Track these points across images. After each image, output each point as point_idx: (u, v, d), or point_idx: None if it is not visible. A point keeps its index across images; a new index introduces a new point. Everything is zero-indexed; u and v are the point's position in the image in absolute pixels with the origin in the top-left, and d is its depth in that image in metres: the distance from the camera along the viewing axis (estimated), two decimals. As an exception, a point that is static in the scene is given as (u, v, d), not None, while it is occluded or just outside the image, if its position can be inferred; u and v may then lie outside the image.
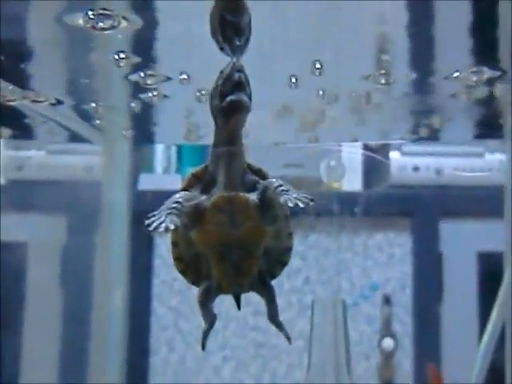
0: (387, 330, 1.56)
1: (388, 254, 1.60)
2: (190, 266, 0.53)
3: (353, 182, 1.62)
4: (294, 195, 0.45)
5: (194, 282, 0.54)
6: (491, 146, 1.57)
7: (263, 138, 0.85)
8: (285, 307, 1.57)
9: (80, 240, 1.43)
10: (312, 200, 0.45)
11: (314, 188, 1.49)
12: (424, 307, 1.58)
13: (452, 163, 1.61)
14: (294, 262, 1.59)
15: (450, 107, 0.68)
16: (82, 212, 1.37)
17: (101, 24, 0.48)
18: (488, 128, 0.74)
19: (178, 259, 0.53)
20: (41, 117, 0.70)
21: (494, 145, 1.55)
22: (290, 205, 0.44)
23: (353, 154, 1.56)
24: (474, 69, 0.54)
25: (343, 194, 1.57)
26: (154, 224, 0.45)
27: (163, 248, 1.62)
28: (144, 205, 1.45)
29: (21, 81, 0.60)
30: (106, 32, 0.49)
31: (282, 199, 0.45)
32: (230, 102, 0.46)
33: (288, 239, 0.52)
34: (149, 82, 0.59)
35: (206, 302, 0.55)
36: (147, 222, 0.45)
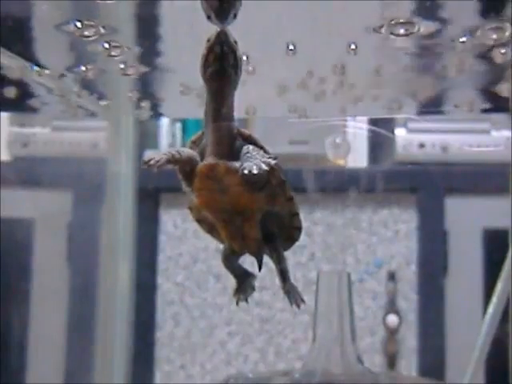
0: (392, 306, 1.57)
1: (393, 231, 1.60)
2: (208, 227, 0.55)
3: (358, 159, 1.62)
4: (256, 161, 0.47)
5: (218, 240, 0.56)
6: (497, 123, 1.56)
7: (270, 112, 0.85)
8: (290, 283, 1.57)
9: (86, 215, 1.44)
10: (275, 158, 0.47)
11: (319, 165, 1.49)
12: (429, 283, 1.58)
13: (458, 140, 1.61)
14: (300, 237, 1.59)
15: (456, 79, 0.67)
16: (87, 187, 1.38)
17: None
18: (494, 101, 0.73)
19: (198, 221, 0.55)
20: (46, 90, 0.70)
21: (500, 121, 1.54)
22: (254, 172, 0.46)
23: (358, 131, 1.55)
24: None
25: (348, 171, 1.56)
26: (151, 162, 0.47)
27: (169, 224, 1.62)
28: (149, 181, 1.46)
29: (22, 51, 0.60)
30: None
31: (244, 166, 0.47)
32: (210, 73, 0.48)
33: (289, 204, 0.53)
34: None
35: (227, 263, 0.58)
36: (145, 158, 0.47)
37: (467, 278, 1.55)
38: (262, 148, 0.50)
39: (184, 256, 1.62)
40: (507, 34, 0.50)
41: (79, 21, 0.52)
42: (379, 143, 1.64)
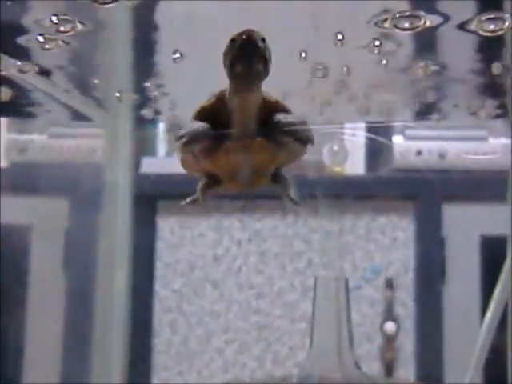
0: (389, 314, 1.56)
1: (391, 238, 1.60)
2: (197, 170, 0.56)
3: (356, 166, 1.62)
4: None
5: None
6: (495, 130, 1.56)
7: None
8: (287, 290, 1.57)
9: (83, 222, 1.43)
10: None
11: (316, 172, 1.49)
12: (426, 291, 1.58)
13: (455, 147, 1.61)
14: (297, 244, 1.59)
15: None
16: (84, 194, 1.38)
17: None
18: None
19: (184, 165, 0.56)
20: (44, 95, 0.70)
21: (497, 128, 1.54)
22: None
23: (356, 138, 1.55)
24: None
25: (346, 178, 1.56)
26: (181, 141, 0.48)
27: (166, 231, 1.62)
28: (146, 188, 1.46)
29: (19, 52, 0.60)
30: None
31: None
32: (236, 73, 0.47)
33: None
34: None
35: (205, 192, 0.58)
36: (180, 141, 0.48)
37: (465, 285, 1.55)
38: (289, 112, 0.51)
39: (181, 263, 1.62)
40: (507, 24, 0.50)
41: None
42: (377, 150, 1.64)
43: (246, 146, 0.50)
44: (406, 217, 1.60)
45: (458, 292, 1.55)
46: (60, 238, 1.56)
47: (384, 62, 0.60)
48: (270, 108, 0.51)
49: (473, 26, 0.51)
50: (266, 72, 0.48)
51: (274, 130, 0.50)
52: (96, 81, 0.65)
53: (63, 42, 0.55)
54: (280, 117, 0.51)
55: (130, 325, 1.39)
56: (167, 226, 1.62)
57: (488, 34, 0.51)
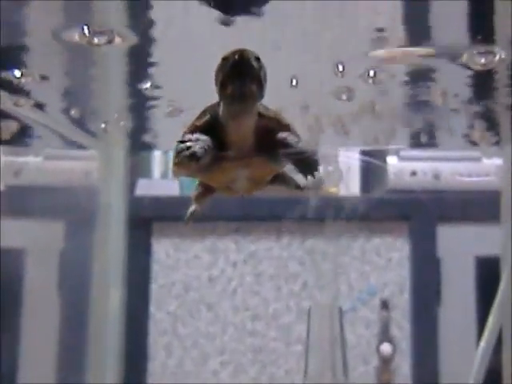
0: (385, 335, 1.56)
1: (386, 259, 1.60)
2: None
3: (350, 187, 1.62)
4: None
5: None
6: (488, 151, 1.57)
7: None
8: (283, 312, 1.57)
9: (77, 245, 1.43)
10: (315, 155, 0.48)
11: (311, 193, 1.49)
12: (422, 311, 1.58)
13: (449, 168, 1.62)
14: (292, 266, 1.59)
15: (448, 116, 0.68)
16: (79, 217, 1.37)
17: (96, 40, 0.48)
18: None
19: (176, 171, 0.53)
20: (37, 124, 0.70)
21: (491, 149, 1.55)
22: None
23: (350, 159, 1.56)
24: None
25: (341, 199, 1.57)
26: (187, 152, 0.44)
27: (161, 253, 1.61)
28: (141, 210, 1.46)
29: (14, 86, 0.60)
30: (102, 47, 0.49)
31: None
32: (229, 95, 0.44)
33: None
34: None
35: (200, 200, 0.57)
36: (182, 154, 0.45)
37: (460, 306, 1.54)
38: (288, 127, 0.49)
39: (176, 285, 1.61)
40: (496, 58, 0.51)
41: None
42: (371, 171, 1.65)
43: (244, 164, 0.48)
44: (400, 238, 1.60)
45: (454, 313, 1.55)
46: (55, 261, 1.55)
47: (379, 89, 0.61)
48: (268, 123, 0.48)
49: (464, 60, 0.51)
50: (260, 93, 0.46)
51: (274, 149, 0.48)
52: (89, 110, 0.65)
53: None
54: (282, 137, 0.48)
55: (125, 347, 1.38)
56: (162, 248, 1.62)
57: (479, 68, 0.51)
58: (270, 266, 1.59)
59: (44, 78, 0.57)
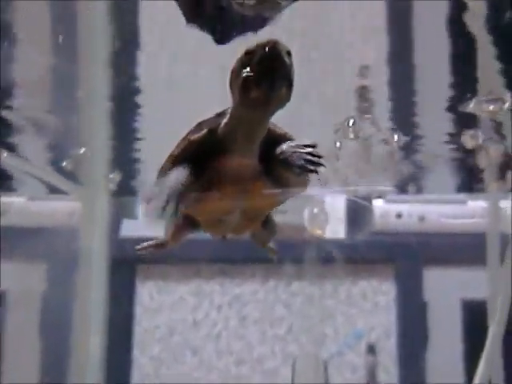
0: (372, 380, 1.54)
1: (372, 302, 1.58)
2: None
3: (336, 230, 1.61)
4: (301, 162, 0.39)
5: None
6: (474, 194, 1.58)
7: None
8: (268, 356, 1.54)
9: (59, 288, 1.41)
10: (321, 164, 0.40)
11: (297, 235, 1.48)
12: (409, 355, 1.56)
13: (435, 210, 1.62)
14: (278, 309, 1.57)
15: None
16: (61, 259, 1.36)
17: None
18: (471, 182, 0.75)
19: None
20: (20, 172, 0.70)
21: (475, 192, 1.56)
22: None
23: (336, 202, 1.56)
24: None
25: (327, 241, 1.56)
26: (155, 211, 0.38)
27: (145, 295, 1.60)
28: (125, 251, 1.44)
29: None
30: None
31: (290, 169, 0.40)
32: (254, 96, 0.36)
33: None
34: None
35: (178, 235, 0.51)
36: (146, 209, 0.39)
37: (448, 350, 1.53)
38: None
39: (160, 328, 1.59)
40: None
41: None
42: (357, 213, 1.64)
43: (245, 188, 0.40)
44: (386, 281, 1.59)
45: (442, 357, 1.53)
46: (36, 304, 1.53)
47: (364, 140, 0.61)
48: (276, 142, 0.41)
49: (471, 107, 0.51)
50: (288, 98, 0.38)
51: (279, 167, 0.41)
52: (72, 157, 0.65)
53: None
54: (286, 149, 0.40)
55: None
56: (146, 291, 1.60)
57: (487, 115, 0.51)
58: (255, 310, 1.57)
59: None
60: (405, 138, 0.62)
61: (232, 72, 0.38)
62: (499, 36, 0.47)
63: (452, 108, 0.53)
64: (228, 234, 0.48)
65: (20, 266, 1.51)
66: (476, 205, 1.59)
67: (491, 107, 0.51)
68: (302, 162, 0.39)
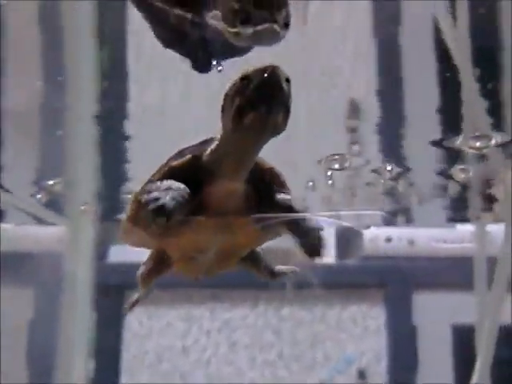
0: (363, 405, 1.53)
1: (362, 327, 1.58)
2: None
3: (326, 254, 1.61)
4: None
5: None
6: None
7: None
8: (258, 381, 1.53)
9: (46, 313, 1.40)
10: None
11: (287, 259, 1.48)
12: (400, 380, 1.55)
13: (424, 234, 1.62)
14: (267, 335, 1.56)
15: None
16: (48, 285, 1.35)
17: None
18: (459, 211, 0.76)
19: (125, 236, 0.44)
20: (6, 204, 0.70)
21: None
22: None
23: (326, 225, 1.55)
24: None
25: (316, 266, 1.55)
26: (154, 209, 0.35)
27: (134, 321, 1.58)
28: (113, 277, 1.43)
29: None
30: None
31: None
32: (249, 120, 0.35)
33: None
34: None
35: (148, 279, 0.49)
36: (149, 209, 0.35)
37: (438, 374, 1.52)
38: (284, 183, 0.42)
39: (149, 354, 1.58)
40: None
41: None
42: (347, 238, 1.64)
43: (226, 225, 0.39)
44: (376, 305, 1.59)
45: (432, 381, 1.53)
46: (23, 330, 1.51)
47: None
48: (263, 176, 0.40)
49: (458, 143, 0.52)
50: (284, 126, 0.37)
51: (268, 210, 0.40)
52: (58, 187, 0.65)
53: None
54: (280, 197, 0.40)
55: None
56: (135, 316, 1.58)
57: (473, 151, 0.52)
58: (244, 335, 1.56)
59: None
60: (394, 170, 0.63)
61: (225, 97, 0.37)
62: (484, 73, 0.48)
63: (440, 143, 0.54)
64: (202, 273, 0.45)
65: (8, 291, 1.50)
66: (465, 229, 1.59)
67: (477, 144, 0.52)
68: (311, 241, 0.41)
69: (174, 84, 0.48)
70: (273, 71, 0.34)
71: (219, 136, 0.39)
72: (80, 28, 0.49)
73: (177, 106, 0.50)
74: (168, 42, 0.41)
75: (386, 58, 0.50)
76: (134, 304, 0.53)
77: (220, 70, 0.43)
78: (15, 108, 0.52)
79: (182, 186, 0.38)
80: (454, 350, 1.54)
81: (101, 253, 1.09)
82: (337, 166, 0.54)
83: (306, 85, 0.51)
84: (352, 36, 0.49)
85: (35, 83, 0.51)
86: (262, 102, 0.35)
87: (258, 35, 0.38)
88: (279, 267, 0.51)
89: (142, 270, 0.48)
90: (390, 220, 0.83)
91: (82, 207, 0.70)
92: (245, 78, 0.35)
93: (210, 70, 0.42)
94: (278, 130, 0.37)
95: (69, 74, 0.49)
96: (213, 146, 0.39)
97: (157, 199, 0.36)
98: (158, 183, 0.38)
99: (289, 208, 0.42)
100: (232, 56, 0.43)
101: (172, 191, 0.37)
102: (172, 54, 0.46)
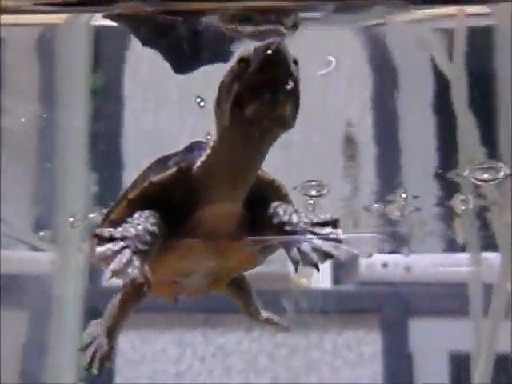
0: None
1: (357, 353, 1.57)
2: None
3: (322, 279, 1.60)
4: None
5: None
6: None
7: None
8: (252, 408, 1.52)
9: (39, 337, 1.38)
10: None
11: (282, 284, 1.47)
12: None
13: (421, 259, 1.61)
14: (261, 360, 1.55)
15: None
16: (41, 309, 1.34)
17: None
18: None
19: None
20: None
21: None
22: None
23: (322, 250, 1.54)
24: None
25: (312, 291, 1.54)
26: (115, 267, 0.29)
27: (126, 346, 1.57)
28: (107, 302, 1.42)
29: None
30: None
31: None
32: (252, 110, 0.27)
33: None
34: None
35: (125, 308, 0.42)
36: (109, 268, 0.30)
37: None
38: (286, 196, 0.36)
39: (142, 379, 1.56)
40: None
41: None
42: (343, 263, 1.64)
43: (220, 248, 0.32)
44: (372, 331, 1.58)
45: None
46: (17, 354, 1.50)
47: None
48: (264, 190, 0.34)
49: (465, 173, 0.51)
50: (293, 119, 0.30)
51: (267, 231, 0.33)
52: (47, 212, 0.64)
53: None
54: (279, 208, 0.33)
55: None
56: (128, 341, 1.57)
57: (480, 183, 0.51)
58: (239, 360, 1.55)
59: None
60: (394, 200, 0.62)
61: (221, 86, 0.29)
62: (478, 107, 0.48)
63: (439, 174, 0.54)
64: (181, 296, 0.41)
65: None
66: (462, 254, 1.59)
67: (485, 176, 0.51)
68: (310, 256, 0.34)
69: (168, 106, 0.47)
70: (277, 48, 0.27)
71: (211, 142, 0.32)
72: (76, 55, 0.49)
73: (171, 127, 0.50)
74: (147, 40, 0.39)
75: (383, 101, 0.50)
76: (102, 362, 0.46)
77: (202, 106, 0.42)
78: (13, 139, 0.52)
79: (148, 223, 0.31)
80: (451, 377, 1.53)
81: (94, 277, 1.08)
82: (313, 193, 0.54)
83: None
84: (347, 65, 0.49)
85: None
86: (265, 88, 0.27)
87: (261, 33, 0.36)
88: (266, 314, 0.47)
89: (114, 299, 0.41)
90: (387, 247, 0.83)
91: (71, 219, 0.69)
92: (243, 61, 0.28)
93: (191, 71, 0.40)
94: (285, 124, 0.30)
95: (62, 96, 0.49)
96: (204, 155, 0.32)
97: (118, 252, 0.31)
98: (118, 229, 0.32)
99: (285, 231, 0.37)
100: (217, 61, 0.43)
101: (137, 236, 0.31)
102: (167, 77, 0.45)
